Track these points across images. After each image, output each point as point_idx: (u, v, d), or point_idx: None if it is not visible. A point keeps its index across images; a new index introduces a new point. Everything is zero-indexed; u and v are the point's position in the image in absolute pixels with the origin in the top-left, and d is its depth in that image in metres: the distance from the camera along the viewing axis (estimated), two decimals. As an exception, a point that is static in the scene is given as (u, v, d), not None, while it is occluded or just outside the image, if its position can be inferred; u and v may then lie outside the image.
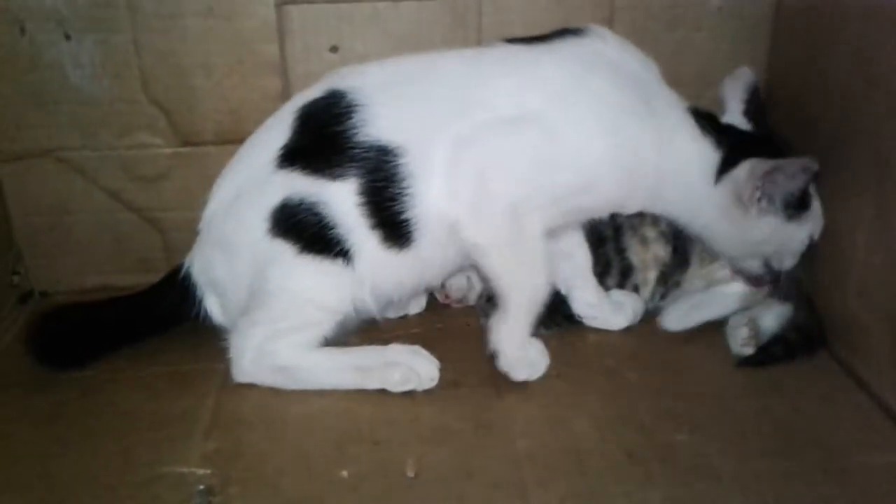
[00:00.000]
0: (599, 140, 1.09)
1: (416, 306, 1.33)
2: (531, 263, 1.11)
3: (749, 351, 1.17)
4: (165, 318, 1.21)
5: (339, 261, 1.10)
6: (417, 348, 1.15)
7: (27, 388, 1.15)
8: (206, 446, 1.02)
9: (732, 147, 1.13)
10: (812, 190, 1.15)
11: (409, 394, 1.11)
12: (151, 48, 1.28)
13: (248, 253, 1.13)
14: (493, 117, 1.08)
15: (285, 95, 1.31)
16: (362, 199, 1.09)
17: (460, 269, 1.25)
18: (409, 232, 1.10)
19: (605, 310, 1.25)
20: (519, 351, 1.14)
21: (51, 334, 1.18)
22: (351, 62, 1.28)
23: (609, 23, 1.34)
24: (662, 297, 1.29)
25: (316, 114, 1.12)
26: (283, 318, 1.12)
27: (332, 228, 1.09)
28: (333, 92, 1.12)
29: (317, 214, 1.09)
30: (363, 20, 1.31)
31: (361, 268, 1.11)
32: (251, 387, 1.13)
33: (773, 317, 1.20)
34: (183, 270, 1.21)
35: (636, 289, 1.28)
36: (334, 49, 1.32)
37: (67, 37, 1.26)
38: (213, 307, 1.20)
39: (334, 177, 1.09)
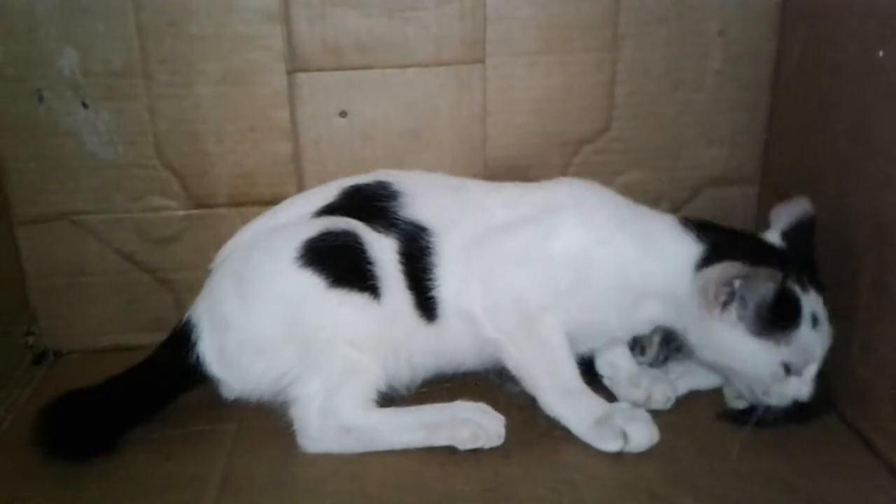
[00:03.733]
0: (587, 237, 1.17)
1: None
2: (550, 360, 1.16)
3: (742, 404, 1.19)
4: (176, 377, 1.19)
5: (368, 295, 1.14)
6: (483, 405, 1.16)
7: (40, 451, 1.14)
8: (217, 511, 1.03)
9: (716, 244, 1.13)
10: (810, 317, 1.10)
11: (416, 457, 1.11)
12: (166, 115, 1.32)
13: (271, 286, 1.15)
14: (496, 223, 1.20)
15: (296, 159, 1.35)
16: (402, 259, 1.17)
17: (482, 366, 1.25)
18: (434, 308, 1.18)
19: (622, 378, 1.25)
20: (583, 425, 1.13)
21: (65, 429, 1.13)
22: (359, 127, 1.35)
23: (611, 84, 1.37)
24: (665, 359, 1.30)
25: (363, 190, 1.23)
26: (330, 363, 1.13)
27: (370, 264, 1.15)
28: (381, 181, 1.24)
29: (360, 244, 1.15)
30: (371, 86, 1.34)
31: (398, 329, 1.16)
32: (260, 449, 1.14)
33: None
34: (184, 320, 1.21)
35: (643, 349, 1.29)
36: (343, 114, 1.35)
37: (84, 105, 1.30)
38: (209, 352, 1.18)
39: (377, 230, 1.18)
